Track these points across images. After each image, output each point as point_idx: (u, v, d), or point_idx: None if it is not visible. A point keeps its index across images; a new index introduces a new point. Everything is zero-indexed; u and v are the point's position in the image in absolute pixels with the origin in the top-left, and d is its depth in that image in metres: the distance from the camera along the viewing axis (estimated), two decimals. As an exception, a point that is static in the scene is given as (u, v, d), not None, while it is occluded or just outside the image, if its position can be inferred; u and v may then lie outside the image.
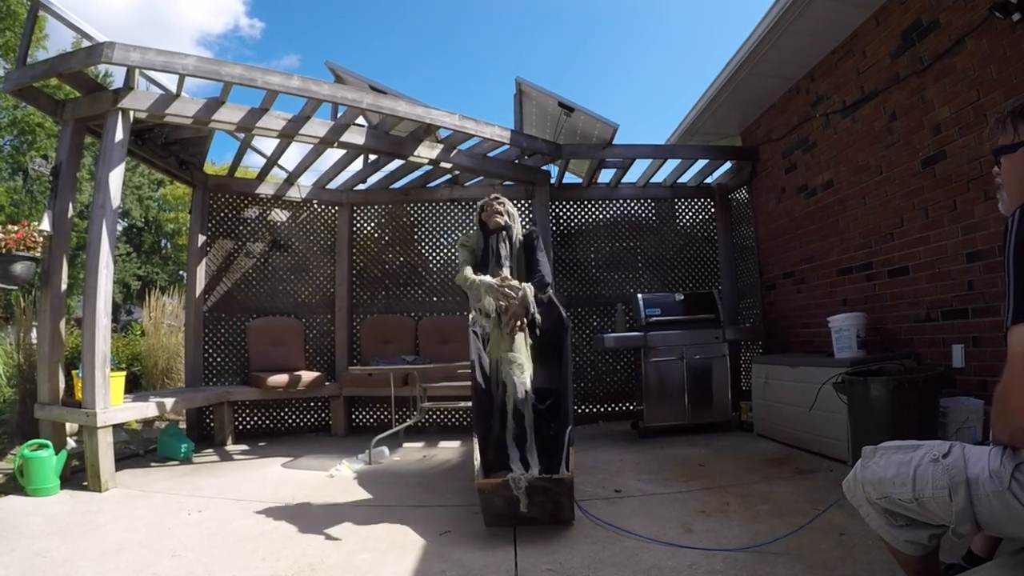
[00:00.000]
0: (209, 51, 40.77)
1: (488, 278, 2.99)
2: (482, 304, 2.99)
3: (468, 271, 3.07)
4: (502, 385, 3.02)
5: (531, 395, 2.98)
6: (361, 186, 5.97)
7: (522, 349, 3.06)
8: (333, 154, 5.24)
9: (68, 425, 3.85)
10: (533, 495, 2.50)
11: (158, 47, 3.59)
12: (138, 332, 8.34)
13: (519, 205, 5.86)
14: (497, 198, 3.23)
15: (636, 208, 6.15)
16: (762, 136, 5.50)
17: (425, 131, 4.74)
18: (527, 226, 3.39)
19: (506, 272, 3.07)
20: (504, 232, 3.16)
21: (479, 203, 3.30)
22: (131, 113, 3.75)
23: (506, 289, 2.92)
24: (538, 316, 2.97)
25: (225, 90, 3.97)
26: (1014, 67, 2.93)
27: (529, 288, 2.96)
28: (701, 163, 5.88)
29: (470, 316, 3.25)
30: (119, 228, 16.51)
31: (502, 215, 3.18)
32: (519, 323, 2.92)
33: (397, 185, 5.95)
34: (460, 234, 5.79)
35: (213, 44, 42.65)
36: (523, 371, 3.01)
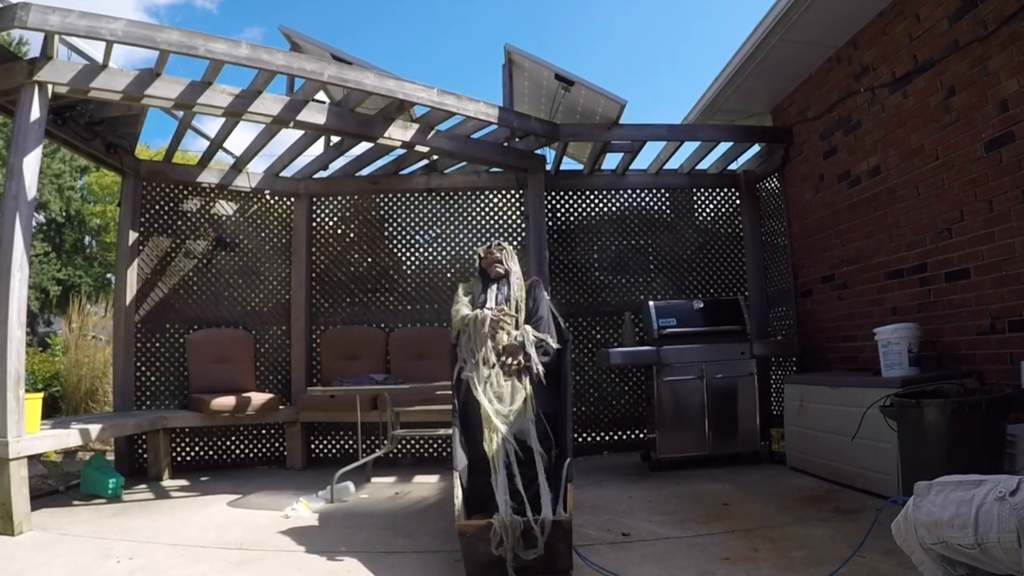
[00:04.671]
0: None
1: (486, 311, 3.34)
2: (478, 347, 3.24)
3: (464, 307, 3.46)
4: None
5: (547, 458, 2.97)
6: (322, 173, 5.96)
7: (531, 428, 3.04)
8: (289, 136, 5.24)
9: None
10: (524, 541, 2.48)
11: (81, 9, 3.56)
12: (58, 346, 8.29)
13: (509, 196, 5.96)
14: (499, 245, 3.70)
15: (647, 199, 6.16)
16: (796, 114, 5.53)
17: (397, 108, 4.74)
18: (530, 276, 3.86)
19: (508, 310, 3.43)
20: (505, 280, 3.58)
21: (479, 250, 3.76)
22: (49, 87, 3.73)
23: (505, 318, 3.29)
24: (537, 361, 3.22)
25: (161, 60, 3.94)
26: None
27: (528, 329, 3.32)
28: (724, 146, 5.91)
29: (453, 331, 3.40)
30: (35, 223, 16.44)
31: (502, 263, 3.61)
32: (517, 362, 3.19)
33: (364, 172, 5.95)
34: (439, 230, 5.99)
35: (161, 15, 42.20)
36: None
